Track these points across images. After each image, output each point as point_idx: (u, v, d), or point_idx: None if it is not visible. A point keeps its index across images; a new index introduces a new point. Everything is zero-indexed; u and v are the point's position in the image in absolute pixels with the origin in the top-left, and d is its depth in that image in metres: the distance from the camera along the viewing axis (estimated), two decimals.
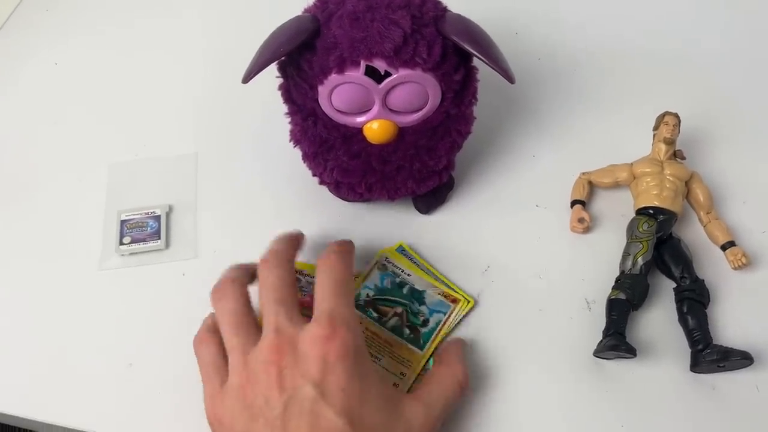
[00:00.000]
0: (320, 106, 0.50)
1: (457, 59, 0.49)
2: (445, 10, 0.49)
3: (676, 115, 0.57)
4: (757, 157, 0.62)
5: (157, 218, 0.58)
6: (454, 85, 0.50)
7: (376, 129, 0.50)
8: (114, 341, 0.52)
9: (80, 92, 0.69)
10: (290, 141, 0.55)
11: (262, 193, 0.61)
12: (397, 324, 0.52)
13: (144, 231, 0.57)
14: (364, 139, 0.51)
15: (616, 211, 0.58)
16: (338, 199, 0.59)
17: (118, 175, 0.61)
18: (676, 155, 0.58)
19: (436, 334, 0.51)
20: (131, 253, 0.56)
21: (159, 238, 0.57)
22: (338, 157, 0.52)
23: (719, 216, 0.57)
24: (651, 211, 0.55)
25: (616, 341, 0.49)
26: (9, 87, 0.70)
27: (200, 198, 0.60)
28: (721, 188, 0.59)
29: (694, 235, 0.57)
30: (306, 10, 0.50)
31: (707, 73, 0.69)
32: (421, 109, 0.50)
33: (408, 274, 0.54)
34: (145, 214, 0.58)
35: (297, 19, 0.48)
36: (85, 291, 0.55)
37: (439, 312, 0.53)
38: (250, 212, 0.59)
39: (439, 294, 0.53)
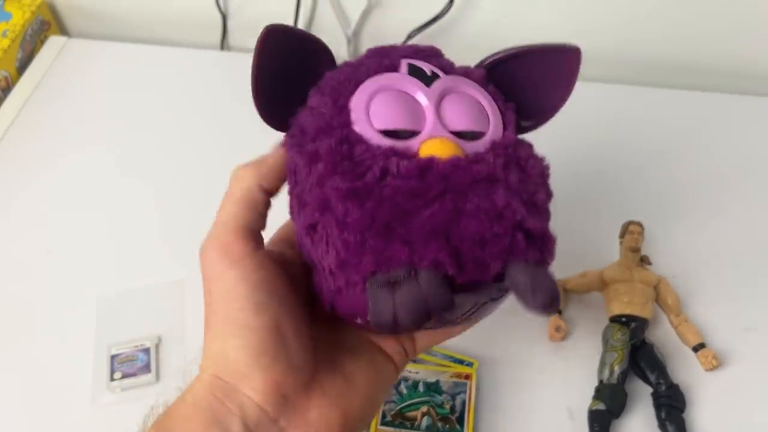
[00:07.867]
0: None
1: None
2: None
3: (640, 224, 0.61)
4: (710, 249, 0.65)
5: (147, 351, 0.59)
6: None
7: None
8: None
9: (64, 222, 0.71)
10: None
11: None
12: (430, 423, 0.54)
13: (134, 365, 0.58)
14: None
15: (589, 316, 0.61)
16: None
17: (106, 307, 0.63)
18: (643, 260, 0.61)
19: (468, 413, 0.54)
20: (122, 389, 0.57)
21: (149, 372, 0.58)
22: None
23: (688, 318, 0.60)
24: (624, 319, 0.58)
25: None
26: None
27: (188, 327, 0.61)
28: (686, 285, 0.62)
29: (666, 335, 0.60)
30: None
31: (656, 175, 0.72)
32: None
33: (416, 372, 0.57)
34: (135, 347, 0.59)
35: None
36: (78, 430, 0.55)
37: (459, 393, 0.56)
38: None
39: (451, 377, 0.56)
